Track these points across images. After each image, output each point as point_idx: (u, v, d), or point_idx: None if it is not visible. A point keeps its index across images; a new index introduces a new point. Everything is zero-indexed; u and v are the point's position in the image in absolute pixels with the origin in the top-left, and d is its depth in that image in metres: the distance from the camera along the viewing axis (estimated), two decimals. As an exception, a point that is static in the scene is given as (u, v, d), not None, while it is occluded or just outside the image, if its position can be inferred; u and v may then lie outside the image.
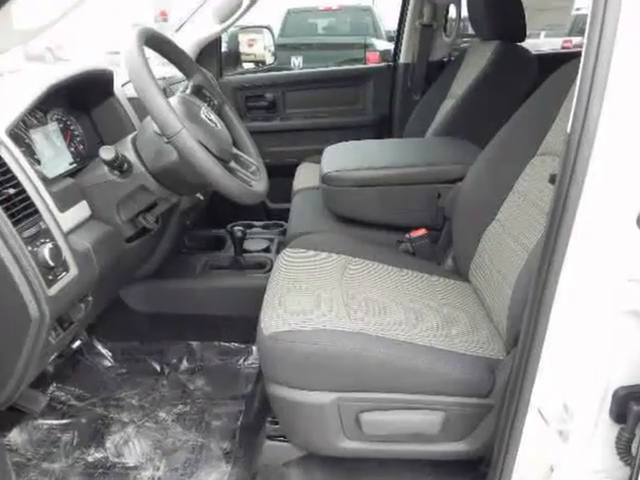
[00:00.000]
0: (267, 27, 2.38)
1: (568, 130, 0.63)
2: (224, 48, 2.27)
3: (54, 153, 1.13)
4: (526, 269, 0.96)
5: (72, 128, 1.22)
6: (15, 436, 1.36)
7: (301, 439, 1.08)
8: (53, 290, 0.90)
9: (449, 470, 1.09)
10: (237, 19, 1.92)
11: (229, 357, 1.67)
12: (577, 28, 7.50)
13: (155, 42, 1.08)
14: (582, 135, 0.60)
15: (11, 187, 0.88)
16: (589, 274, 0.65)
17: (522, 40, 1.89)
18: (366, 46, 6.02)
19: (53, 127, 1.15)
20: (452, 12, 2.38)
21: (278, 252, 1.73)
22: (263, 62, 2.38)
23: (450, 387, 0.95)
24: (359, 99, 2.43)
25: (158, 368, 1.63)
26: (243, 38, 2.28)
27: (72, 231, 1.01)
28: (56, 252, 0.91)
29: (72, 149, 1.20)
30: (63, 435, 1.38)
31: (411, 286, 1.20)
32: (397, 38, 2.42)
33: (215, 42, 2.09)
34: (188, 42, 1.91)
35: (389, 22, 6.53)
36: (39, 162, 1.07)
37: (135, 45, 0.94)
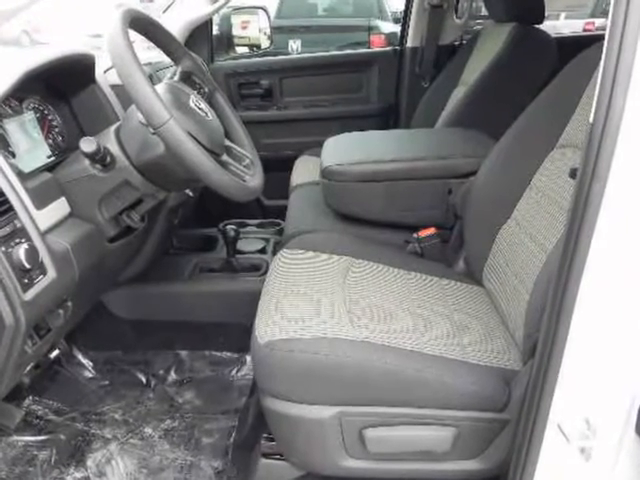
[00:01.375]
0: (262, 8, 2.38)
1: (590, 120, 0.63)
2: (215, 31, 2.27)
3: (30, 145, 1.13)
4: (545, 272, 0.96)
5: (50, 118, 1.22)
6: (-13, 454, 1.37)
7: (299, 457, 1.08)
8: (29, 295, 0.90)
9: (461, 491, 1.09)
10: (230, -1, 1.93)
11: (221, 368, 1.67)
12: (600, 9, 7.51)
13: (140, 24, 1.08)
14: (605, 126, 0.60)
15: (-17, 182, 0.88)
16: (613, 277, 0.65)
17: (540, 22, 1.89)
18: (370, 29, 6.03)
19: (29, 117, 1.15)
20: (464, -9, 2.39)
21: (274, 253, 1.73)
22: (258, 46, 2.37)
23: (462, 400, 0.95)
24: (363, 86, 2.43)
25: (144, 380, 1.63)
26: (236, 20, 2.28)
27: (50, 230, 1.01)
28: (32, 253, 0.91)
29: (50, 141, 1.20)
30: (40, 453, 1.38)
31: (419, 290, 1.20)
32: (404, 20, 2.42)
33: (206, 24, 2.09)
34: (176, 24, 1.91)
35: (395, 2, 6.53)
36: (14, 155, 1.07)
37: (119, 27, 0.94)
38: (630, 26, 0.57)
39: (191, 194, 1.47)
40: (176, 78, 1.18)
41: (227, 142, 1.18)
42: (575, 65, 1.14)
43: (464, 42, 2.32)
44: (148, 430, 1.44)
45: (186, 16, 1.94)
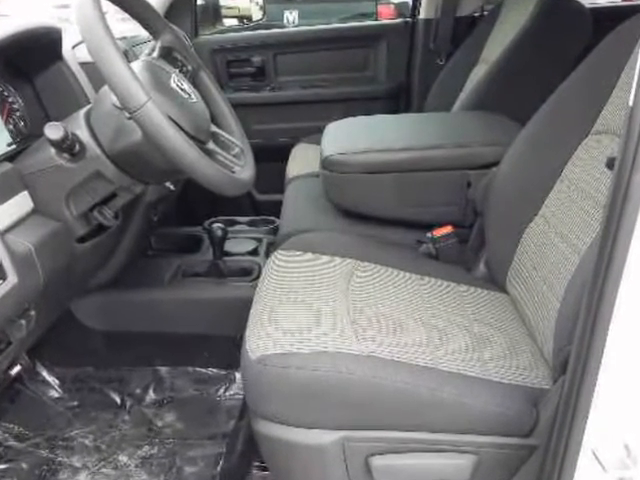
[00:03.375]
0: (254, -26, 2.39)
1: (630, 103, 0.63)
2: (200, 0, 2.27)
3: (-12, 131, 1.13)
4: (578, 277, 0.96)
5: (10, 100, 1.22)
6: (-61, 485, 1.37)
7: (296, 489, 1.08)
8: (-14, 303, 0.90)
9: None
10: (216, -36, 1.93)
11: (206, 386, 1.67)
12: (641, -25, 7.49)
13: (114, -8, 1.08)
14: (647, 109, 0.60)
15: None
16: (656, 282, 0.65)
17: (573, -10, 1.90)
18: (378, -3, 6.03)
19: (-14, 99, 1.15)
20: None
21: (268, 255, 1.74)
22: (249, 18, 2.39)
23: (483, 424, 0.96)
24: (369, 64, 2.44)
25: (118, 400, 1.63)
26: (224, -12, 2.29)
27: (10, 229, 1.01)
28: (-10, 255, 0.91)
29: (10, 126, 1.20)
30: (-1, 484, 1.38)
31: (434, 298, 1.20)
32: (416, -12, 2.43)
33: (189, -7, 2.10)
34: (155, -7, 1.91)
35: (406, -32, 6.54)
36: (-31, 143, 1.07)
37: (89, -4, 0.94)
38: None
39: (172, 188, 1.47)
40: (155, 55, 1.18)
41: (213, 128, 1.18)
42: (612, 39, 1.14)
43: (485, 13, 2.32)
44: (123, 458, 1.44)
45: (166, -17, 1.94)
